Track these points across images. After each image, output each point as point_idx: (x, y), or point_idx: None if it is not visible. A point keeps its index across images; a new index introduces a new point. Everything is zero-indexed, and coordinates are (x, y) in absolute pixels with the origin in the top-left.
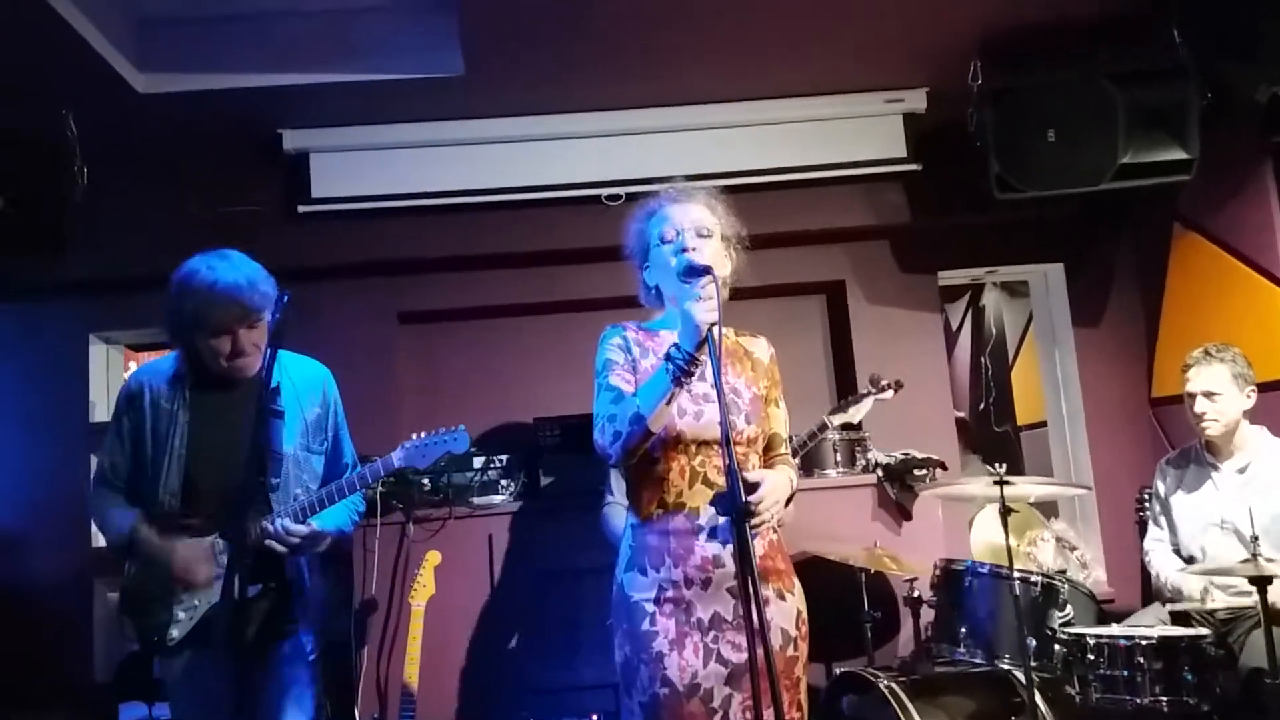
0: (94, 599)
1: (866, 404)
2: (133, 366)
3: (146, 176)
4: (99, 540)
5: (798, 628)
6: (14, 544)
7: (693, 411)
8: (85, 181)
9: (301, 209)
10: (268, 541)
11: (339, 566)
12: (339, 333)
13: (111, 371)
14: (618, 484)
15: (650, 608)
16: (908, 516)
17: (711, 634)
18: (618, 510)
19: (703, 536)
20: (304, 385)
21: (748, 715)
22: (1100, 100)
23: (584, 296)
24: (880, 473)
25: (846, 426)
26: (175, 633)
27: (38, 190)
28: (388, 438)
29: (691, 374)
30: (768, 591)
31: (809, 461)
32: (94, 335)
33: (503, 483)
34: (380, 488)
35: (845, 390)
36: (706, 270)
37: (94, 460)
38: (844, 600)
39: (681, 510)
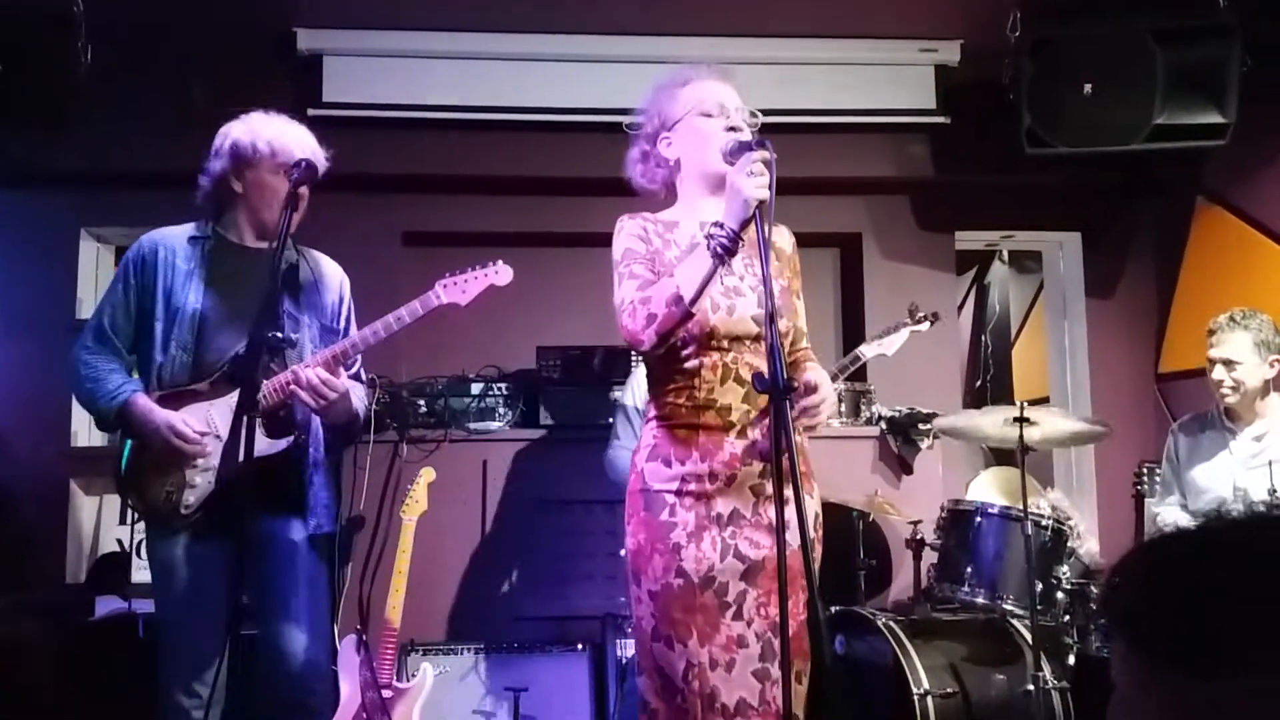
0: (69, 499)
1: (903, 335)
2: None
3: (152, 64)
4: (78, 440)
5: (815, 529)
6: None
7: (725, 306)
8: (89, 60)
9: (311, 113)
10: (293, 387)
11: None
12: (340, 248)
13: (101, 271)
14: (624, 428)
15: (671, 499)
16: (908, 470)
17: (730, 529)
18: (624, 455)
19: (733, 434)
20: (326, 272)
21: (761, 611)
22: (1141, 56)
23: (598, 230)
24: (884, 425)
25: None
26: (191, 499)
27: (37, 61)
28: (386, 361)
29: (734, 253)
30: (790, 491)
31: None
32: (85, 230)
33: (500, 410)
34: (374, 405)
35: (852, 346)
36: (761, 144)
37: None
38: (838, 547)
39: (712, 407)
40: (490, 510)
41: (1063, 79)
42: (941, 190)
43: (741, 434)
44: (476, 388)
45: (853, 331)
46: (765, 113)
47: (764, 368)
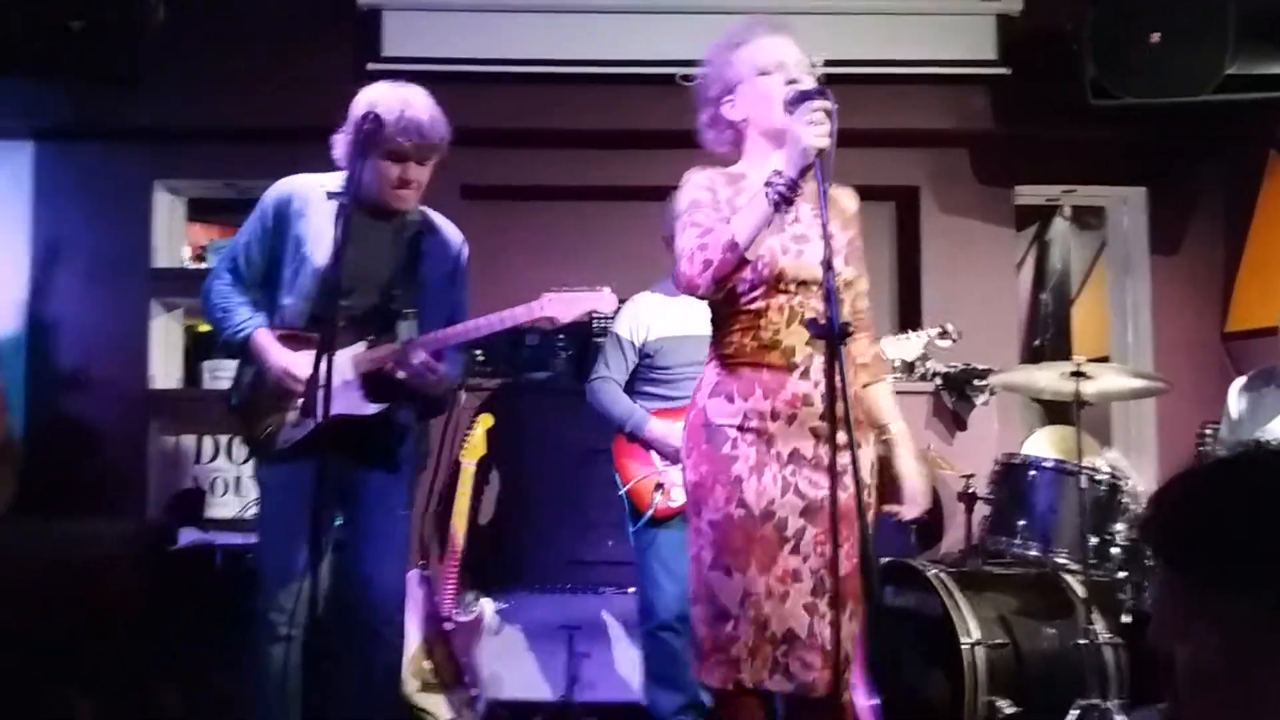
0: (148, 438)
1: (919, 342)
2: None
3: (219, 20)
4: (156, 383)
5: (872, 476)
6: (75, 384)
7: (794, 250)
8: (163, 16)
9: (371, 67)
10: (394, 365)
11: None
12: None
13: (174, 222)
14: (615, 359)
15: (732, 433)
16: (962, 427)
17: (790, 468)
18: (611, 385)
19: (795, 374)
20: (446, 239)
21: (819, 549)
22: (1212, 3)
23: (652, 183)
24: (939, 381)
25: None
26: (285, 437)
27: (114, 17)
28: None
29: (791, 200)
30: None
31: None
32: (159, 182)
33: (555, 360)
34: None
35: (907, 301)
36: (821, 93)
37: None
38: (889, 500)
39: (777, 347)
40: (545, 456)
41: (1129, 28)
42: (1001, 143)
43: (804, 375)
44: (533, 338)
45: (909, 286)
46: (822, 63)
47: (818, 321)
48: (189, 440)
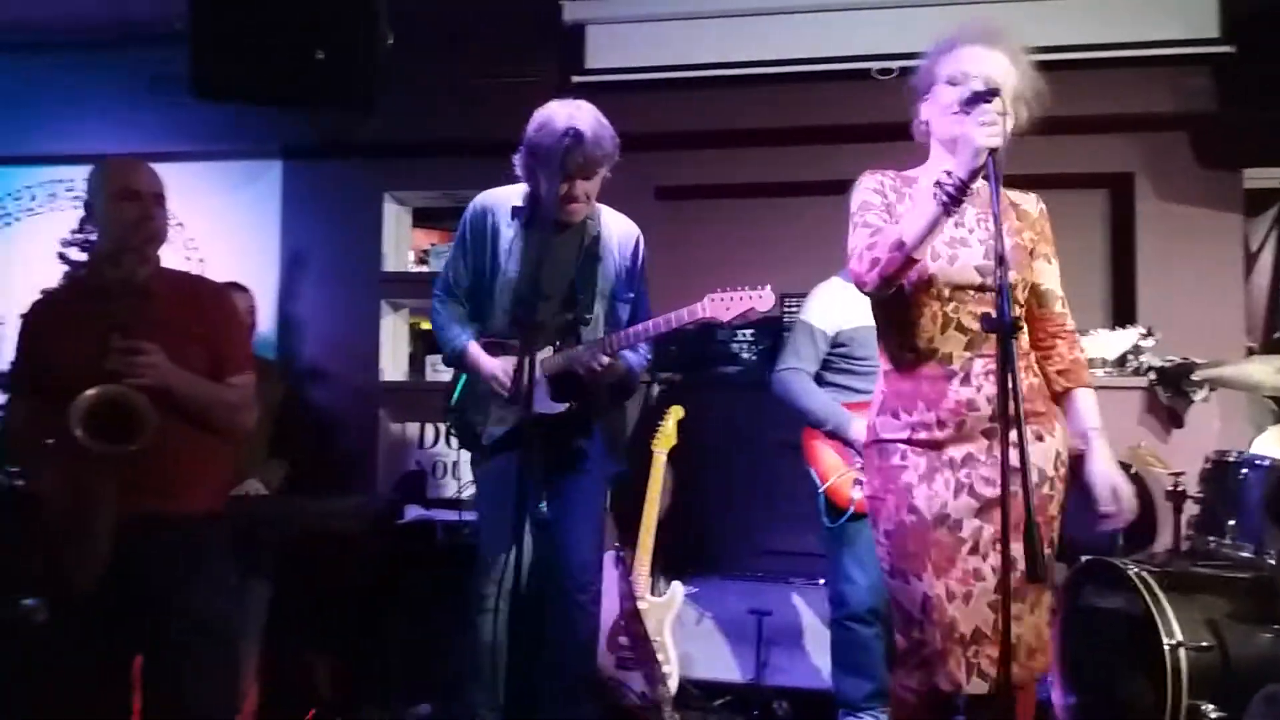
0: (379, 425)
1: (1124, 343)
2: (417, 234)
3: (437, 43)
4: (385, 375)
5: (1055, 469)
6: (315, 377)
7: (946, 255)
8: (391, 40)
9: (575, 79)
10: (575, 365)
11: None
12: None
13: (400, 229)
14: (806, 349)
15: (902, 446)
16: (1179, 424)
17: (964, 470)
18: (803, 377)
19: (955, 382)
20: (620, 238)
21: (998, 547)
22: None
23: (847, 177)
24: (1153, 376)
25: None
26: (492, 432)
27: (353, 46)
28: None
29: (960, 201)
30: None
31: None
32: (387, 194)
33: (745, 355)
34: None
35: (1120, 292)
36: (993, 93)
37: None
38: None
39: (934, 356)
40: (735, 448)
41: None
42: (1226, 125)
43: (965, 381)
44: (722, 333)
45: (1123, 277)
46: (1029, 50)
47: (991, 316)
48: (413, 427)
